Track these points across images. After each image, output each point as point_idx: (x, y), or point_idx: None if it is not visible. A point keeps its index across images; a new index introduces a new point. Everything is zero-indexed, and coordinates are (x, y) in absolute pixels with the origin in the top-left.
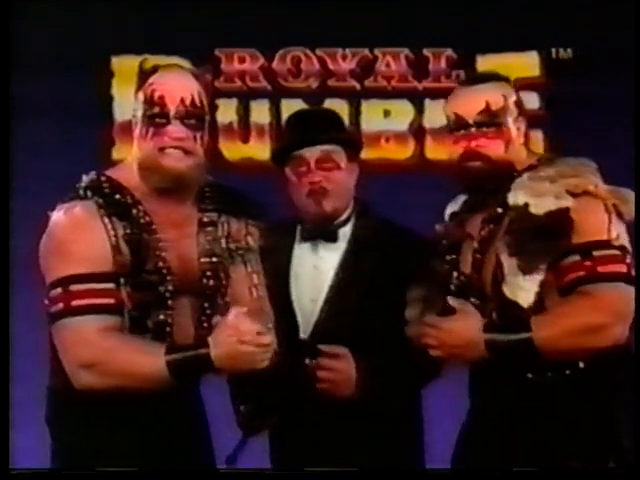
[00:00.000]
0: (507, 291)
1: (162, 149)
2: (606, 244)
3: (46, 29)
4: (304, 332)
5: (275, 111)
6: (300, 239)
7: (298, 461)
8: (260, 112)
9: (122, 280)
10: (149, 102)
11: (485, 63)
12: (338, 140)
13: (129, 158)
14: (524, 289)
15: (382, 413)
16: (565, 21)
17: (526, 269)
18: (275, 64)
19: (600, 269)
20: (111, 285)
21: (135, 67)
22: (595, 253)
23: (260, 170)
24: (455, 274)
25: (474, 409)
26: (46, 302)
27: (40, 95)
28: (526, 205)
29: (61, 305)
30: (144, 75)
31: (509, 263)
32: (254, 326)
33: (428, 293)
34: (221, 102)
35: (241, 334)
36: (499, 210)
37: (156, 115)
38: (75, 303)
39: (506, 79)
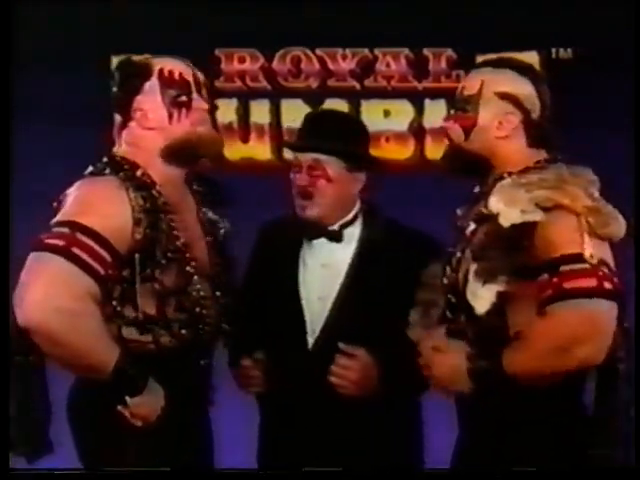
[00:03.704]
0: (468, 295)
1: (196, 124)
2: (575, 257)
3: (46, 29)
4: (312, 330)
5: (275, 111)
6: (308, 238)
7: (297, 461)
8: (260, 112)
9: (137, 256)
10: (167, 84)
11: None
12: (331, 151)
13: (125, 148)
14: (481, 297)
15: (390, 412)
16: (565, 21)
17: (485, 278)
18: (275, 64)
19: (566, 285)
20: (108, 258)
21: None
22: (562, 268)
23: (260, 170)
24: (448, 271)
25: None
26: (44, 234)
27: (40, 95)
28: (498, 214)
29: (61, 243)
30: (141, 68)
31: (473, 268)
32: None
33: (429, 296)
34: (221, 102)
35: None
36: (484, 210)
37: (179, 94)
38: (75, 250)
39: (517, 68)
